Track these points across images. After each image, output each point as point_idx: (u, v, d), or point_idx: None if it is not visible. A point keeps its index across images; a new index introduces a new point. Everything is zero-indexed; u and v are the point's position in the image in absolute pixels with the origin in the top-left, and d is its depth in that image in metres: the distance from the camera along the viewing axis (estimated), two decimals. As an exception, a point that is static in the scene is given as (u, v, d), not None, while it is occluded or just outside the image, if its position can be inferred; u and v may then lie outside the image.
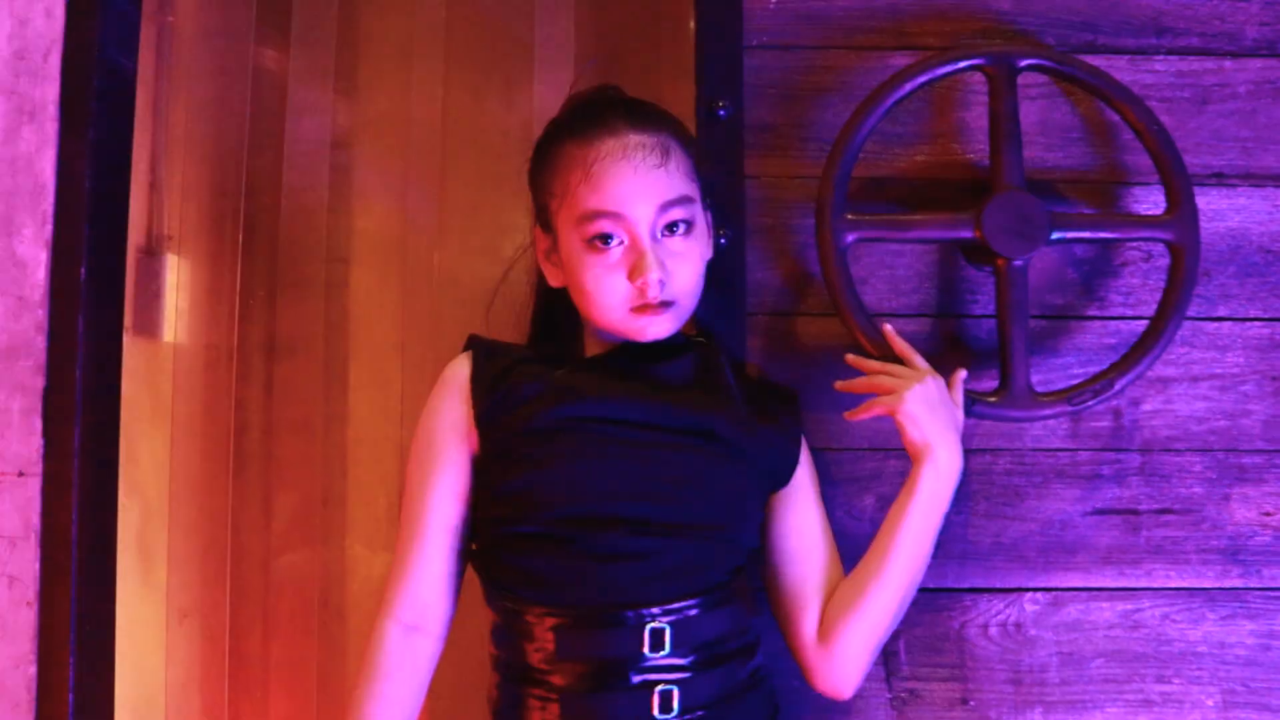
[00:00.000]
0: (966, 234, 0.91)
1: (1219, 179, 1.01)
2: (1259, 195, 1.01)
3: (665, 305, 0.81)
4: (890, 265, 0.98)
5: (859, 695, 0.96)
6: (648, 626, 0.78)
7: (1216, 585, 0.98)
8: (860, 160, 0.94)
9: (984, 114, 0.96)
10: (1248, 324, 1.00)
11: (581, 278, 0.83)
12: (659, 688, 0.78)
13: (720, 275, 0.95)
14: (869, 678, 0.96)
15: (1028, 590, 0.98)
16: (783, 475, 0.88)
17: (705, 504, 0.82)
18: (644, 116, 0.84)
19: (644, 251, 0.80)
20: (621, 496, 0.82)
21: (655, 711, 0.78)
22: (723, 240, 0.96)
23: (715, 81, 0.99)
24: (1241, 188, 1.01)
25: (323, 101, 1.31)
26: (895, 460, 0.97)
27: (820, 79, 1.00)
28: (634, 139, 0.82)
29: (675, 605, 0.79)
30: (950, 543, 0.96)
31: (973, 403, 0.91)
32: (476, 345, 0.89)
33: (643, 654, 0.78)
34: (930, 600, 0.97)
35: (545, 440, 0.83)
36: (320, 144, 1.30)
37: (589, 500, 0.82)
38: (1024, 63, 0.94)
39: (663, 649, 0.78)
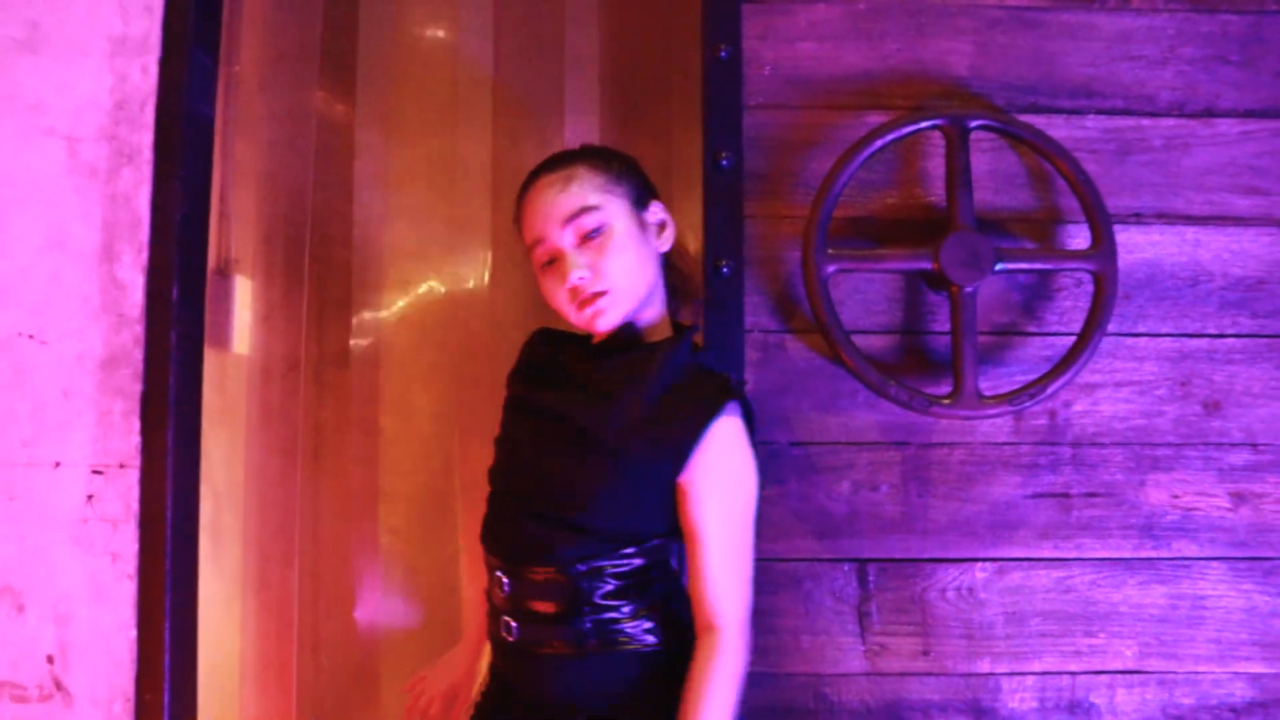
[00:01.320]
0: (926, 265, 1.11)
1: (1138, 218, 1.21)
2: (1171, 232, 1.21)
3: (598, 295, 1.00)
4: (863, 290, 1.18)
5: (838, 648, 1.16)
6: (504, 579, 1.04)
7: (1134, 556, 1.18)
8: (839, 203, 1.14)
9: (942, 164, 1.16)
10: (1160, 339, 1.20)
11: (543, 294, 1.05)
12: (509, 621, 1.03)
13: (723, 298, 1.15)
14: (846, 633, 1.16)
15: (978, 560, 1.17)
16: (668, 472, 0.98)
17: (565, 492, 1.00)
18: (554, 161, 1.06)
19: (564, 258, 1.01)
20: (518, 473, 1.05)
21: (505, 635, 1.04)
22: (725, 270, 1.16)
23: (719, 136, 1.18)
24: (1156, 225, 1.21)
25: (379, 143, 1.50)
26: (866, 453, 1.16)
27: (807, 134, 1.19)
28: (543, 180, 1.04)
29: (524, 570, 1.02)
30: (913, 520, 1.16)
31: (931, 404, 1.10)
32: (536, 331, 1.13)
33: (502, 596, 1.05)
34: (898, 569, 1.17)
35: (508, 416, 1.09)
36: (378, 180, 1.49)
37: (507, 472, 1.06)
38: (974, 124, 1.14)
39: (505, 597, 1.04)
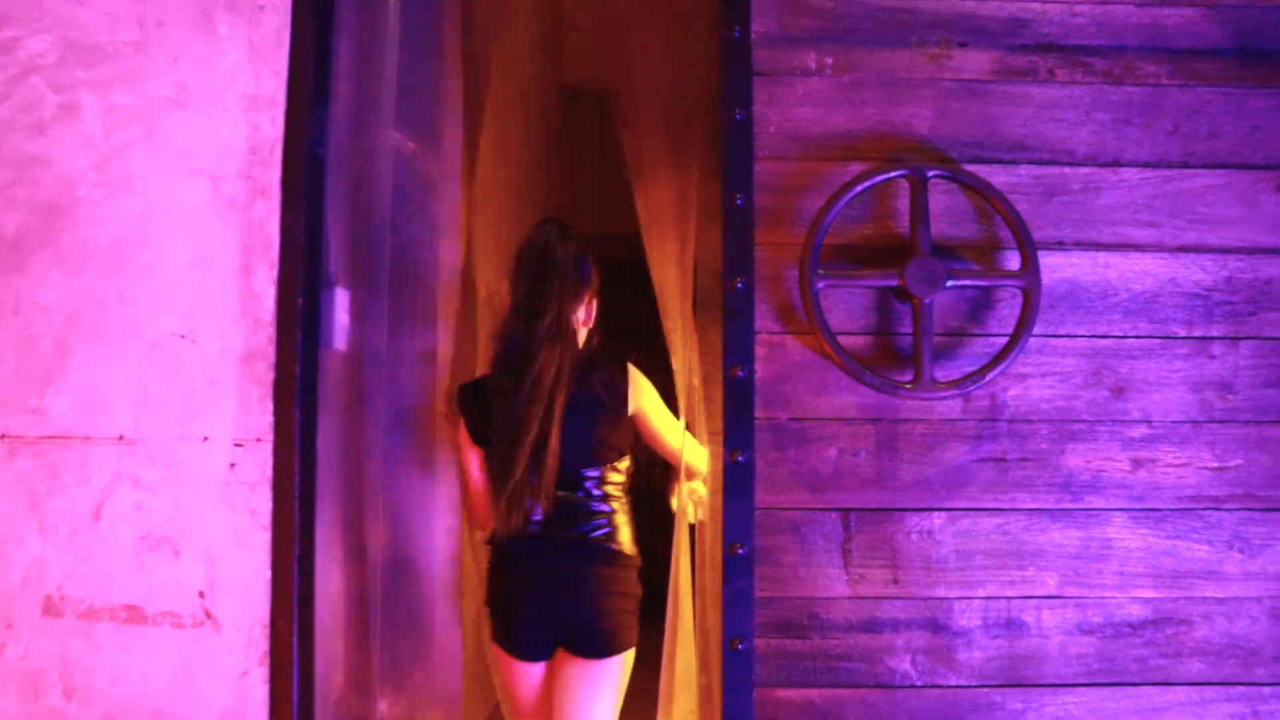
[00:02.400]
0: (894, 282, 1.45)
1: (1060, 245, 1.55)
2: (1086, 256, 1.55)
3: None
4: (847, 301, 1.52)
5: (826, 577, 1.50)
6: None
7: (1055, 507, 1.52)
8: (828, 233, 1.48)
9: (907, 204, 1.50)
10: (1077, 340, 1.54)
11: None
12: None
13: (738, 307, 1.49)
14: (833, 565, 1.50)
15: (935, 510, 1.51)
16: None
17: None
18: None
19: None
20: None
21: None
22: (740, 285, 1.50)
23: (735, 181, 1.52)
24: (1075, 251, 1.55)
25: (448, 177, 1.84)
26: (848, 427, 1.51)
27: (803, 180, 1.53)
28: None
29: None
30: (884, 479, 1.50)
31: (897, 388, 1.44)
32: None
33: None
34: (873, 516, 1.51)
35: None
36: (447, 209, 1.83)
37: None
38: (932, 173, 1.48)
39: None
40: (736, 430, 1.48)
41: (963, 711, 1.50)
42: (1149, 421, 1.54)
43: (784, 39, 1.55)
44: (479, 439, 1.94)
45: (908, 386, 1.45)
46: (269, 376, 1.54)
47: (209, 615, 1.54)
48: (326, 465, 1.84)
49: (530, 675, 1.95)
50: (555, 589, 1.89)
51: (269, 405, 1.54)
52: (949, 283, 1.45)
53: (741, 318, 1.50)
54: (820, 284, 1.45)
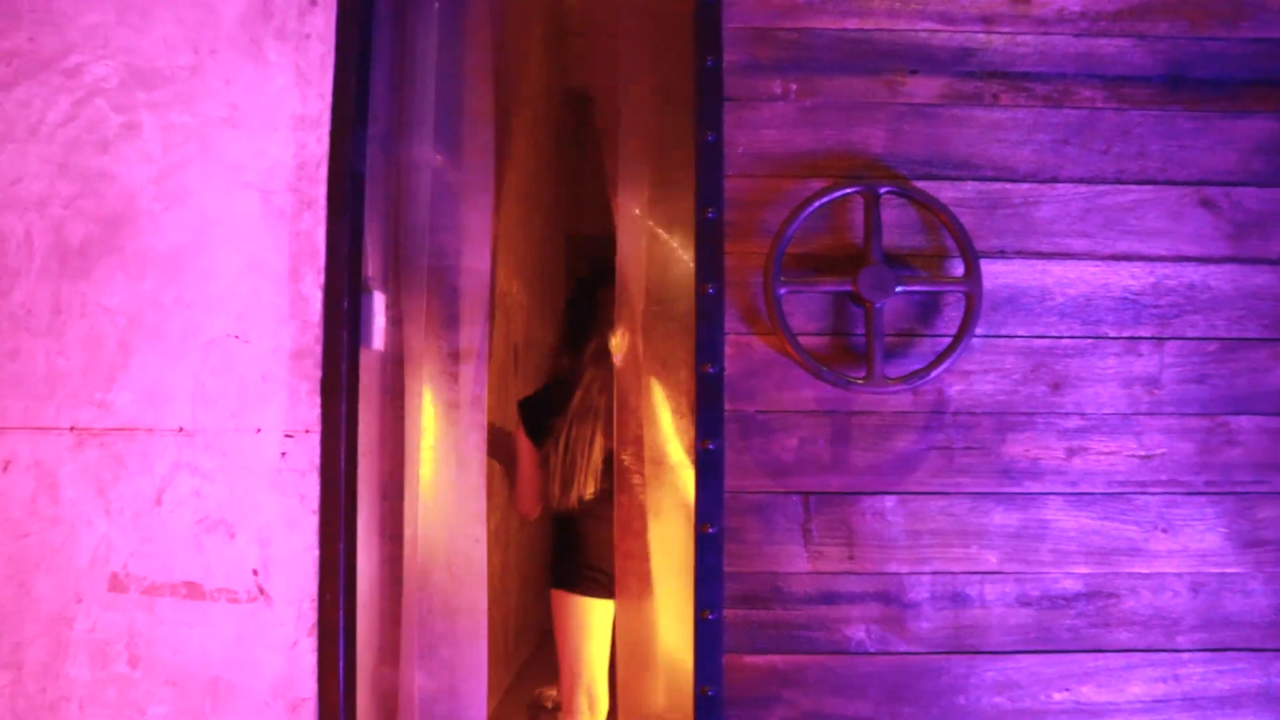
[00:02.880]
0: (848, 288, 1.61)
1: (1003, 254, 1.71)
2: (1026, 264, 1.71)
3: None
4: (807, 304, 1.69)
5: (789, 554, 1.66)
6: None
7: (996, 491, 1.68)
8: (790, 244, 1.64)
9: (862, 217, 1.66)
10: (1017, 340, 1.70)
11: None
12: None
13: (709, 310, 1.65)
14: (794, 543, 1.66)
15: (887, 493, 1.67)
16: None
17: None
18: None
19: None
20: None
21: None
22: (710, 291, 1.66)
23: (707, 196, 1.68)
24: (1016, 259, 1.71)
25: (479, 188, 2.00)
26: (808, 418, 1.67)
27: (768, 195, 1.69)
28: None
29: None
30: (841, 465, 1.66)
31: (851, 384, 1.60)
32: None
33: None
34: (831, 499, 1.67)
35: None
36: (478, 218, 2.00)
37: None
38: (884, 189, 1.64)
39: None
40: (707, 421, 1.65)
41: (912, 675, 1.66)
42: (1082, 414, 1.70)
43: (752, 67, 1.72)
44: (535, 439, 2.62)
45: (860, 382, 1.61)
46: (316, 373, 1.67)
47: (262, 591, 1.67)
48: (365, 454, 1.98)
49: (593, 609, 2.65)
50: (606, 547, 2.44)
51: (317, 400, 1.67)
52: (898, 289, 1.61)
53: (712, 320, 1.66)
54: (782, 290, 1.61)
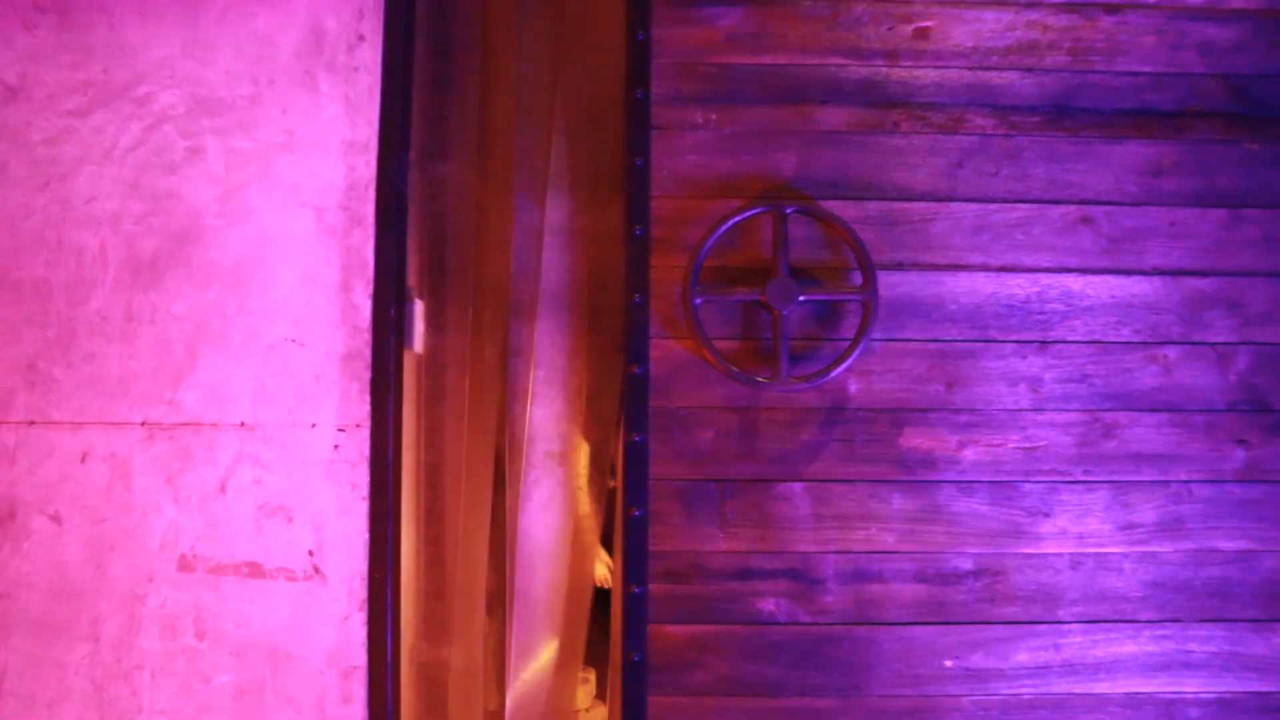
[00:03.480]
0: (757, 298, 1.81)
1: (901, 266, 1.90)
2: (922, 275, 1.90)
3: None
4: (721, 313, 1.88)
5: (708, 535, 1.85)
6: None
7: (895, 479, 1.87)
8: (707, 257, 1.83)
9: (746, 244, 1.85)
10: (913, 343, 1.89)
11: None
12: None
13: (637, 318, 1.85)
14: (712, 525, 1.85)
15: (795, 480, 1.87)
16: None
17: None
18: None
19: None
20: None
21: None
22: (637, 300, 1.85)
23: (635, 215, 1.88)
24: (913, 271, 1.90)
25: (503, 202, 2.19)
26: (722, 414, 1.86)
27: (689, 214, 1.89)
28: None
29: None
30: (753, 455, 1.86)
31: (760, 383, 1.80)
32: None
33: None
34: (744, 485, 1.86)
35: None
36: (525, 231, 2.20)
37: None
38: (790, 209, 1.83)
39: None
40: (634, 416, 1.84)
41: (817, 643, 1.86)
42: (973, 410, 1.89)
43: (677, 99, 1.91)
44: None
45: (768, 381, 1.80)
46: (366, 374, 1.83)
47: (317, 570, 1.82)
48: (407, 447, 2.06)
49: None
50: None
51: (366, 398, 1.83)
52: (802, 298, 1.80)
53: (638, 326, 1.86)
54: (698, 300, 1.80)
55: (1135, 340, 1.91)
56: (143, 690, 1.82)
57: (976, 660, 1.86)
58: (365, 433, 1.83)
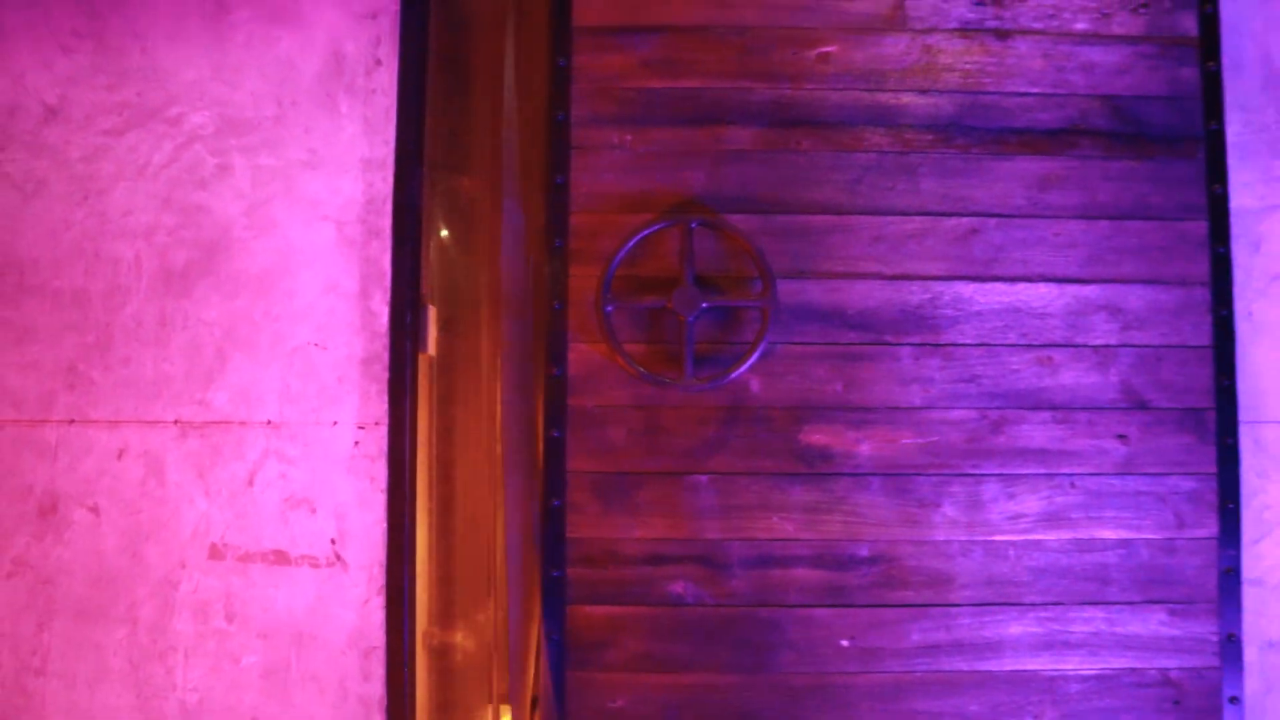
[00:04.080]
0: (664, 305, 1.96)
1: (802, 274, 2.05)
2: (821, 283, 2.05)
3: None
4: (632, 318, 2.03)
5: (622, 524, 2.00)
6: None
7: (795, 472, 2.02)
8: (620, 267, 1.99)
9: (658, 255, 2.01)
10: (815, 346, 2.04)
11: None
12: None
13: (556, 324, 2.00)
14: (625, 514, 2.00)
15: (701, 473, 2.02)
16: None
17: None
18: None
19: None
20: None
21: None
22: (557, 306, 2.01)
23: (555, 229, 2.03)
24: (813, 279, 2.05)
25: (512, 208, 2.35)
26: (634, 411, 2.01)
27: (605, 228, 2.04)
28: None
29: None
30: (662, 449, 2.01)
31: (667, 384, 1.95)
32: None
33: None
34: (655, 477, 2.01)
35: None
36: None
37: None
38: (695, 223, 1.98)
39: None
40: (553, 414, 2.00)
41: (723, 624, 2.01)
42: (868, 409, 2.04)
43: (595, 120, 2.07)
44: None
45: (674, 382, 1.96)
46: (384, 375, 2.01)
47: (339, 558, 1.99)
48: (421, 444, 2.16)
49: None
50: None
51: (384, 398, 2.00)
52: (705, 305, 1.96)
53: (558, 331, 2.01)
54: (609, 307, 1.96)
55: (1021, 343, 2.05)
56: (176, 670, 1.99)
57: (872, 640, 2.01)
58: (383, 430, 1.99)
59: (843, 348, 2.04)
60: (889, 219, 2.06)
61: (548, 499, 2.00)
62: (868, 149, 2.07)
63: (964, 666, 2.02)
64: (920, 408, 2.04)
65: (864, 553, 2.03)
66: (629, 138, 2.06)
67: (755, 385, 2.04)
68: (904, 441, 2.04)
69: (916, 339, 2.05)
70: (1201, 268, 2.07)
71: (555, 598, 1.99)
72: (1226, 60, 2.13)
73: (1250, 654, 2.06)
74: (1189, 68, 2.10)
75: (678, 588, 2.01)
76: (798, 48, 2.08)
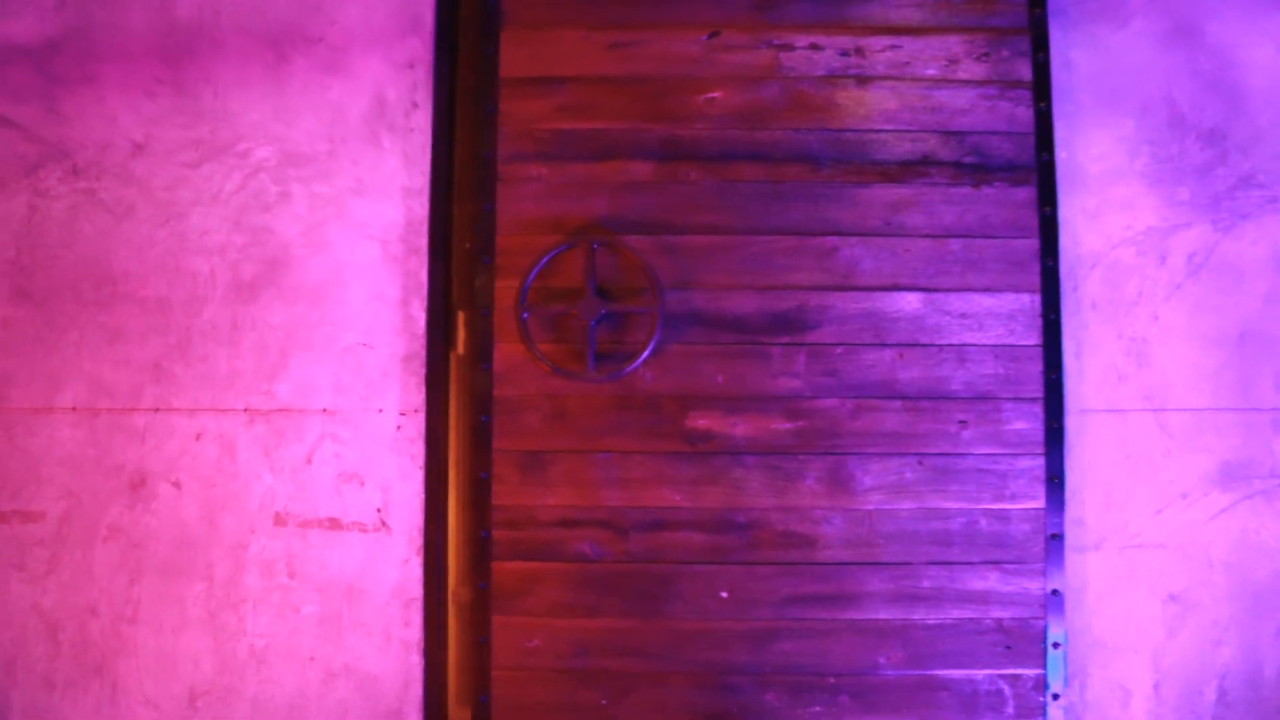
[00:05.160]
0: (570, 311, 2.36)
1: (688, 285, 2.44)
2: (707, 293, 2.43)
3: None
4: (545, 322, 2.44)
5: (537, 493, 2.41)
6: None
7: (681, 450, 2.42)
8: (535, 280, 2.39)
9: (570, 270, 2.41)
10: (697, 345, 2.43)
11: None
12: None
13: (483, 328, 2.42)
14: (541, 485, 2.41)
15: (605, 452, 2.42)
16: None
17: None
18: None
19: None
20: None
21: None
22: (485, 313, 2.42)
23: (483, 248, 2.44)
24: (698, 290, 2.43)
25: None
26: (547, 400, 2.42)
27: (526, 247, 2.44)
28: None
29: None
30: (570, 430, 2.41)
31: (572, 376, 2.36)
32: None
33: None
34: (565, 455, 2.41)
35: None
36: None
37: None
38: (596, 244, 2.38)
39: None
40: (481, 403, 2.41)
41: (623, 577, 2.41)
42: (744, 398, 2.43)
43: (518, 157, 2.47)
44: None
45: (579, 375, 2.36)
46: (421, 371, 2.38)
47: (384, 524, 2.36)
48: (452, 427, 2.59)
49: None
50: None
51: (422, 389, 2.38)
52: (603, 311, 2.36)
53: (486, 334, 2.43)
54: (525, 314, 2.37)
55: (876, 342, 2.43)
56: (246, 618, 2.38)
57: (747, 592, 2.40)
58: (421, 416, 2.36)
59: (723, 347, 2.43)
60: (763, 238, 2.45)
61: (476, 472, 2.41)
62: (746, 179, 2.46)
63: (826, 615, 2.40)
64: (788, 397, 2.42)
65: (740, 519, 2.42)
66: (545, 171, 2.47)
67: (648, 378, 2.43)
68: (774, 426, 2.42)
69: (786, 339, 2.43)
70: (1033, 278, 2.43)
71: (483, 555, 2.41)
72: (1058, 99, 2.49)
73: (1070, 606, 2.42)
74: (1024, 107, 2.46)
75: (584, 547, 2.41)
76: (688, 94, 2.47)
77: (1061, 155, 2.48)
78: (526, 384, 2.44)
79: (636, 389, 2.43)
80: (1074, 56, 2.52)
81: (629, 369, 2.36)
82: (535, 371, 2.43)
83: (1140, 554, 2.45)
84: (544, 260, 2.38)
